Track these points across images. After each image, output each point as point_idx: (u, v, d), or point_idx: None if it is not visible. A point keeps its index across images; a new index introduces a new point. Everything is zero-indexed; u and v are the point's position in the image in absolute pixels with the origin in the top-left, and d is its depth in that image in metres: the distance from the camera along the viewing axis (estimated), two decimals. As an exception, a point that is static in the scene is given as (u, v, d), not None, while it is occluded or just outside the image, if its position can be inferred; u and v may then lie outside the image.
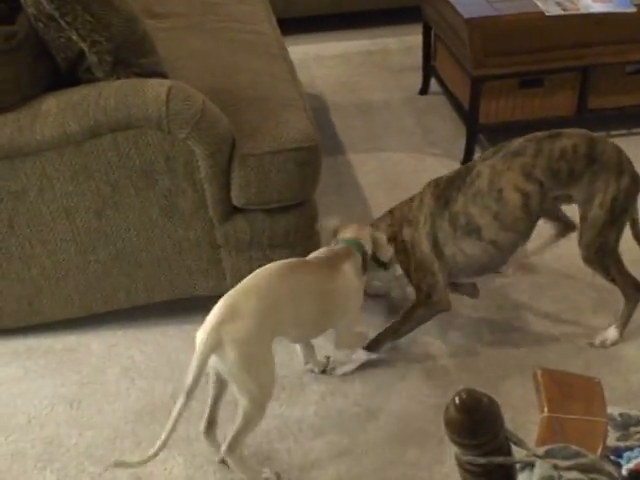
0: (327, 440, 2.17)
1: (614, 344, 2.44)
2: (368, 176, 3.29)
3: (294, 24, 4.24)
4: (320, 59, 4.16)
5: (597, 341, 2.45)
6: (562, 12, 3.05)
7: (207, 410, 2.07)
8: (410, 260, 2.40)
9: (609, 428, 1.51)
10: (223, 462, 2.08)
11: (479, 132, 3.36)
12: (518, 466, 0.90)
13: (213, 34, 3.03)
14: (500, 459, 0.84)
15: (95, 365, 2.46)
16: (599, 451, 1.28)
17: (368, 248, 2.31)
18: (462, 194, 2.31)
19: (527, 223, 2.30)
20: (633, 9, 3.11)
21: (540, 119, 3.29)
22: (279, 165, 2.28)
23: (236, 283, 2.45)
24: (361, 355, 2.41)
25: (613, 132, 3.44)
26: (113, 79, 2.22)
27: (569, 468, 0.86)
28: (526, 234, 2.34)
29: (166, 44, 2.68)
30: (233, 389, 1.95)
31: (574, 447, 0.93)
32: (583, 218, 2.30)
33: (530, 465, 0.88)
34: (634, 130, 3.44)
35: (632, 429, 1.50)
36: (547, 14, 3.04)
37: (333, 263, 2.19)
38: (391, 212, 2.50)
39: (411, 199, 2.45)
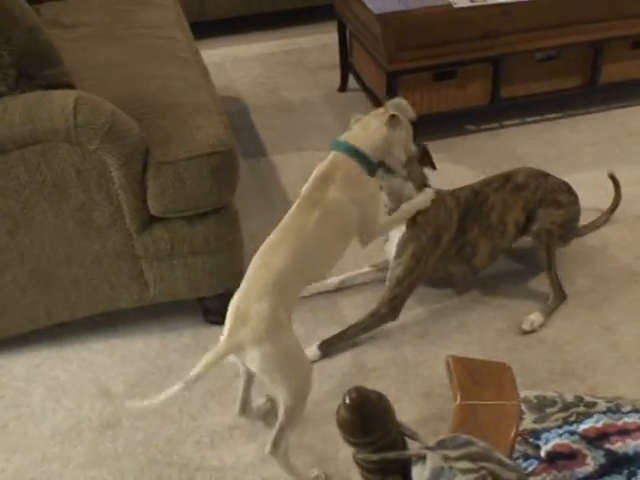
0: (260, 444, 2.16)
1: (539, 328, 2.51)
2: (291, 176, 3.28)
3: (209, 27, 4.22)
4: (237, 61, 4.15)
5: (526, 326, 2.50)
6: (470, 4, 3.09)
7: (239, 395, 2.13)
8: (418, 262, 2.44)
9: (526, 411, 1.54)
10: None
11: (397, 126, 3.38)
12: (413, 459, 0.90)
13: (123, 42, 2.99)
14: (392, 454, 0.85)
15: (19, 387, 2.41)
16: (512, 434, 1.30)
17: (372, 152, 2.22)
18: (478, 225, 2.51)
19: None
20: (539, -3, 3.17)
21: (456, 110, 3.34)
22: (194, 171, 2.25)
23: (160, 293, 2.46)
24: (312, 351, 2.41)
25: (527, 119, 3.51)
26: (17, 93, 2.17)
27: (458, 458, 0.86)
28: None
29: (74, 54, 2.64)
30: (269, 387, 1.96)
31: (464, 436, 0.94)
32: None
33: (423, 458, 0.88)
34: (547, 116, 3.51)
35: (548, 410, 1.53)
36: (455, 6, 3.08)
37: (316, 197, 2.14)
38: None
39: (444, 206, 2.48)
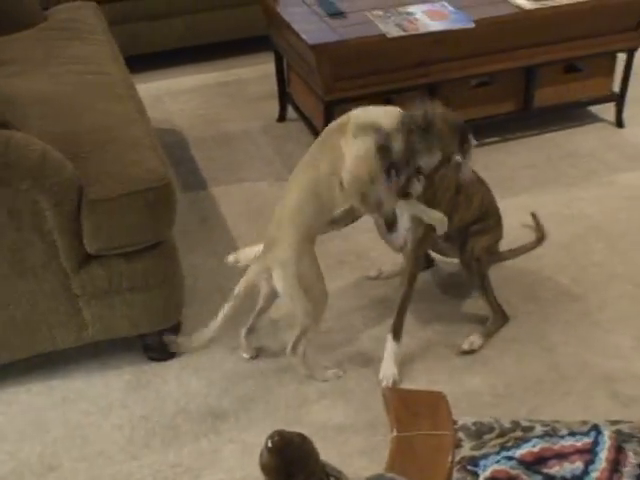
0: (203, 481, 2.14)
1: (479, 349, 2.53)
2: (231, 208, 3.28)
3: (146, 60, 4.21)
4: (175, 94, 4.14)
5: (465, 345, 2.53)
6: (403, 33, 3.12)
7: (251, 319, 2.52)
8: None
9: (464, 438, 1.54)
10: (252, 358, 2.54)
11: (337, 155, 3.40)
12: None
13: (57, 78, 2.96)
14: (316, 497, 0.85)
15: (-44, 433, 2.35)
16: (448, 464, 1.31)
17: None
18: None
19: None
20: (472, 25, 3.21)
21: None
22: (130, 208, 2.24)
23: (99, 332, 2.43)
24: (391, 347, 2.47)
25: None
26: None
27: (382, 497, 0.86)
28: None
29: (6, 92, 2.60)
30: (289, 304, 2.34)
31: (388, 475, 0.94)
32: None
33: (348, 498, 0.88)
34: (483, 140, 3.55)
35: (486, 436, 1.53)
36: (389, 36, 3.11)
37: (331, 141, 2.24)
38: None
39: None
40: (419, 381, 2.43)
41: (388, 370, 2.44)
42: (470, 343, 2.53)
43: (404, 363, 2.49)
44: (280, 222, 2.28)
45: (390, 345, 2.47)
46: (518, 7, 3.33)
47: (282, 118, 3.88)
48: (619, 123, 3.76)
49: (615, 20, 3.53)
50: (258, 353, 2.57)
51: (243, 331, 2.53)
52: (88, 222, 2.22)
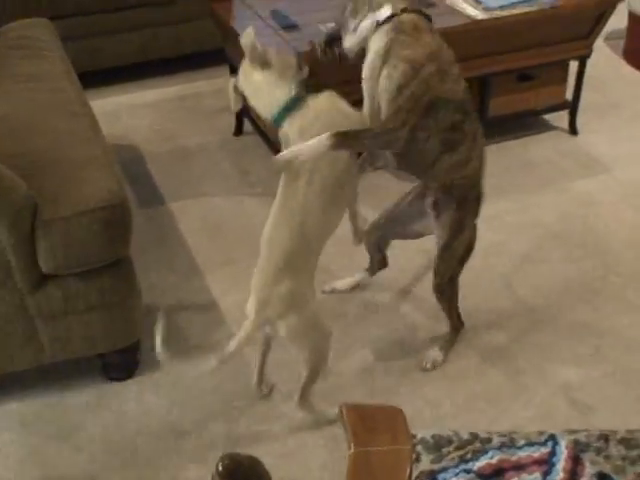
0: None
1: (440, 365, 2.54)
2: (190, 224, 3.26)
3: (102, 76, 4.18)
4: (132, 109, 4.11)
5: (428, 364, 2.53)
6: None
7: (256, 369, 2.42)
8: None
9: (423, 451, 1.55)
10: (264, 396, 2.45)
11: (294, 168, 3.40)
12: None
13: (10, 96, 2.93)
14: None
15: None
16: (406, 479, 1.31)
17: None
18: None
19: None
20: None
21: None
22: (85, 227, 2.21)
23: (56, 352, 2.39)
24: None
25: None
26: None
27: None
28: None
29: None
30: (293, 350, 2.23)
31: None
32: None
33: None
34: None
35: (444, 449, 1.54)
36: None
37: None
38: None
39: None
40: (379, 395, 2.43)
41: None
42: (432, 361, 2.52)
43: (364, 377, 2.49)
44: (269, 272, 2.12)
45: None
46: (469, 17, 3.36)
47: (239, 132, 3.87)
48: (573, 130, 3.81)
49: (567, 29, 3.58)
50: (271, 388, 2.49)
51: (254, 382, 2.44)
52: (43, 242, 2.19)
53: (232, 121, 3.84)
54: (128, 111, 4.09)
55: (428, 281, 2.52)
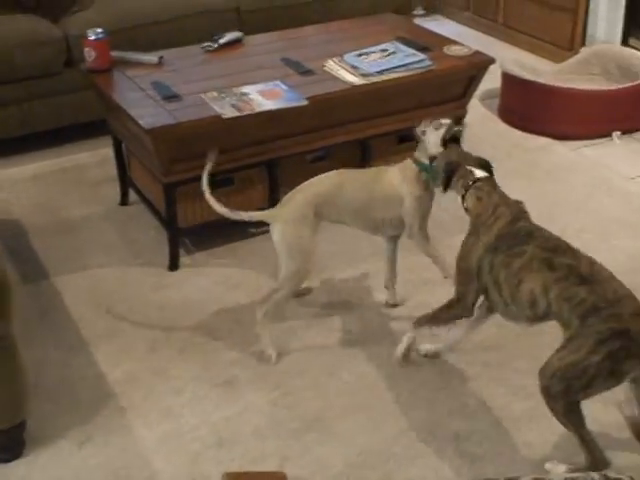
0: None
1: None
2: (75, 297, 3.20)
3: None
4: (14, 183, 4.02)
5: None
6: (238, 113, 3.18)
7: None
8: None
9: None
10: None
11: (181, 236, 3.41)
12: None
13: None
14: None
15: None
16: None
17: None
18: (504, 255, 2.38)
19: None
20: (304, 102, 3.31)
21: (237, 215, 3.41)
22: (-39, 306, 2.16)
23: None
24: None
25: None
26: None
27: None
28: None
29: None
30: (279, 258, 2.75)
31: None
32: None
33: None
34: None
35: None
36: (224, 117, 3.16)
37: (383, 168, 2.94)
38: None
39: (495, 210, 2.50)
40: (271, 459, 2.42)
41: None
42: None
43: (255, 443, 2.48)
44: (301, 189, 2.78)
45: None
46: (348, 83, 3.46)
47: (124, 202, 3.84)
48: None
49: (442, 91, 3.74)
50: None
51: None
52: None
53: (117, 191, 3.81)
54: (10, 185, 4.00)
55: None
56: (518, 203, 2.52)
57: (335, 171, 2.88)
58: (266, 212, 2.83)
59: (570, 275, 2.24)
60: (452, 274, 2.61)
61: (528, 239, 2.37)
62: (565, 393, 2.16)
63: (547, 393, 2.20)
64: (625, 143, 4.37)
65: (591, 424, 2.22)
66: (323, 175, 2.85)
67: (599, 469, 2.12)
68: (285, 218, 2.72)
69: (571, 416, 2.20)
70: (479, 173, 2.59)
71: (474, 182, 2.57)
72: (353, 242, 3.41)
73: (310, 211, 2.73)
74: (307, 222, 2.72)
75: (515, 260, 2.34)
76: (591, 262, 2.29)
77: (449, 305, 2.56)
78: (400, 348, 2.71)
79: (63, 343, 2.94)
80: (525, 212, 2.50)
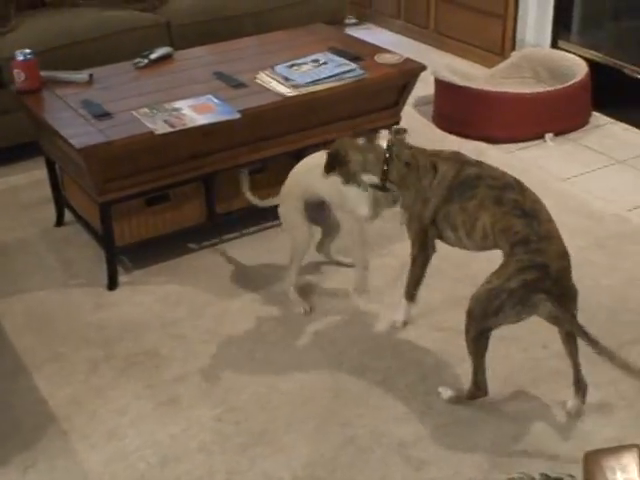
0: None
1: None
2: (13, 322, 3.13)
3: None
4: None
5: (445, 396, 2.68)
6: (170, 129, 3.16)
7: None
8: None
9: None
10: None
11: (118, 254, 3.37)
12: None
13: None
14: None
15: None
16: None
17: None
18: (459, 204, 2.51)
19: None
20: (237, 115, 3.30)
21: (175, 231, 3.40)
22: None
23: None
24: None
25: (244, 231, 3.62)
26: None
27: None
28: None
29: None
30: None
31: None
32: None
33: None
34: (264, 225, 3.63)
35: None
36: (157, 133, 3.14)
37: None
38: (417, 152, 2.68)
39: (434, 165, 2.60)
40: (217, 475, 2.41)
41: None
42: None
43: (201, 459, 2.46)
44: (302, 166, 3.09)
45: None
46: (280, 95, 3.46)
47: (60, 223, 3.78)
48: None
49: (374, 100, 3.76)
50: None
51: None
52: None
53: (52, 212, 3.76)
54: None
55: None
56: (455, 153, 2.65)
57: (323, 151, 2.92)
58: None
59: (514, 209, 2.40)
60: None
61: (477, 182, 2.51)
62: (481, 317, 2.36)
63: (469, 315, 2.39)
64: (558, 144, 4.44)
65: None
66: (318, 153, 2.97)
67: (475, 396, 2.52)
68: (280, 197, 3.09)
69: (479, 342, 2.41)
70: (386, 141, 2.67)
71: (389, 151, 2.64)
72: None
73: (297, 189, 3.01)
74: (293, 198, 3.01)
75: (469, 204, 2.49)
76: (535, 200, 2.46)
77: (413, 260, 2.74)
78: (399, 318, 2.95)
79: (2, 369, 2.88)
80: (465, 159, 2.61)
